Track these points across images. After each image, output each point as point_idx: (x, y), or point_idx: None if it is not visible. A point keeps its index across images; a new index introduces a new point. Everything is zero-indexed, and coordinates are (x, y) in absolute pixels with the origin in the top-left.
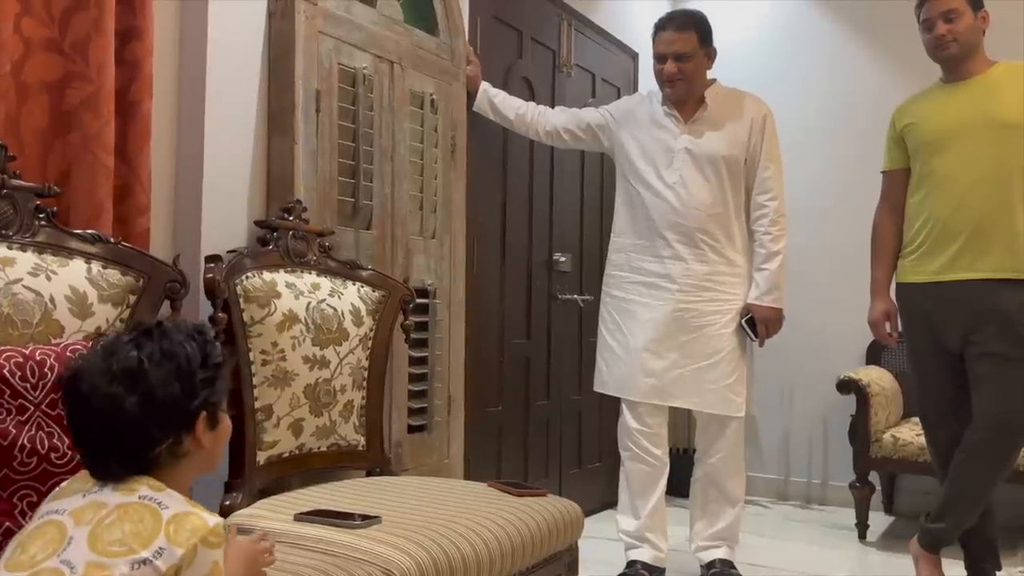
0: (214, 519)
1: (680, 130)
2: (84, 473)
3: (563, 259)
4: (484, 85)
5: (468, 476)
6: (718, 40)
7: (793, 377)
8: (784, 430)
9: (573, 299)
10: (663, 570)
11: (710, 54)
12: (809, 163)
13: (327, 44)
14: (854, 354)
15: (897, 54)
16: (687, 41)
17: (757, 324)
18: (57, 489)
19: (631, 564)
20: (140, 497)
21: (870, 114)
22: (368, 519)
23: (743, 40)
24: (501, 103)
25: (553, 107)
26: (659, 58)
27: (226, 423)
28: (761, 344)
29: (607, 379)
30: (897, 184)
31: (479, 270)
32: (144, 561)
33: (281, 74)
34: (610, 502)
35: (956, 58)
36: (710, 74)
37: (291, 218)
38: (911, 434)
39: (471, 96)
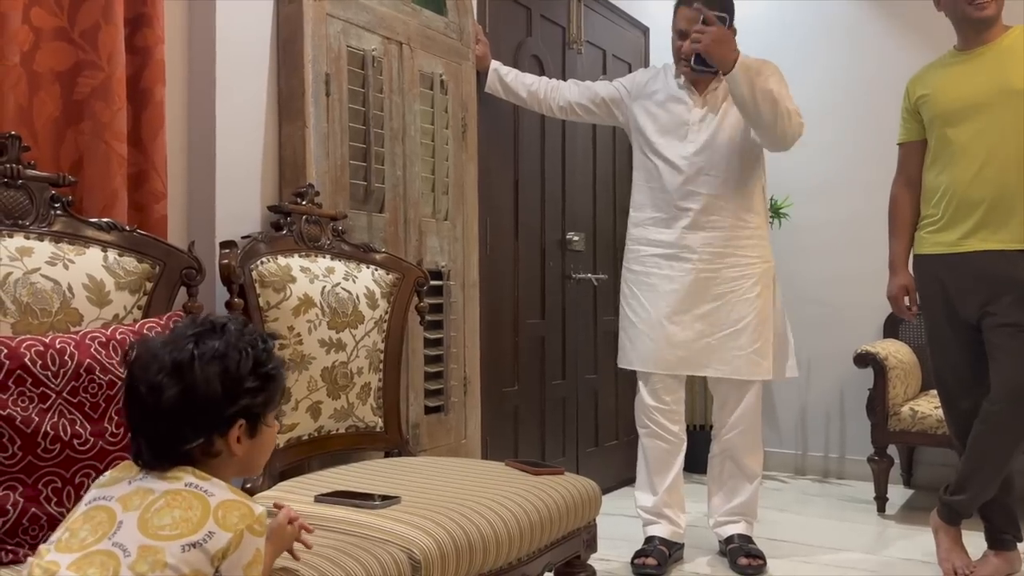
0: (259, 508)
1: (695, 103)
2: (127, 463)
3: (576, 238)
4: (495, 64)
5: (485, 456)
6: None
7: (810, 351)
8: (801, 405)
9: (587, 278)
10: (681, 545)
11: (731, 32)
12: (824, 137)
13: (335, 26)
14: (871, 327)
15: (912, 26)
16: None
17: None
18: (101, 477)
19: (649, 540)
20: (187, 485)
21: (886, 87)
22: (387, 499)
23: (758, 14)
24: (512, 81)
25: None
26: (680, 34)
27: (269, 435)
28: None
29: (631, 355)
30: (913, 156)
31: (492, 251)
32: (195, 544)
33: (290, 58)
34: (628, 479)
35: (990, 21)
36: None
37: (304, 202)
38: (929, 407)
39: (481, 76)
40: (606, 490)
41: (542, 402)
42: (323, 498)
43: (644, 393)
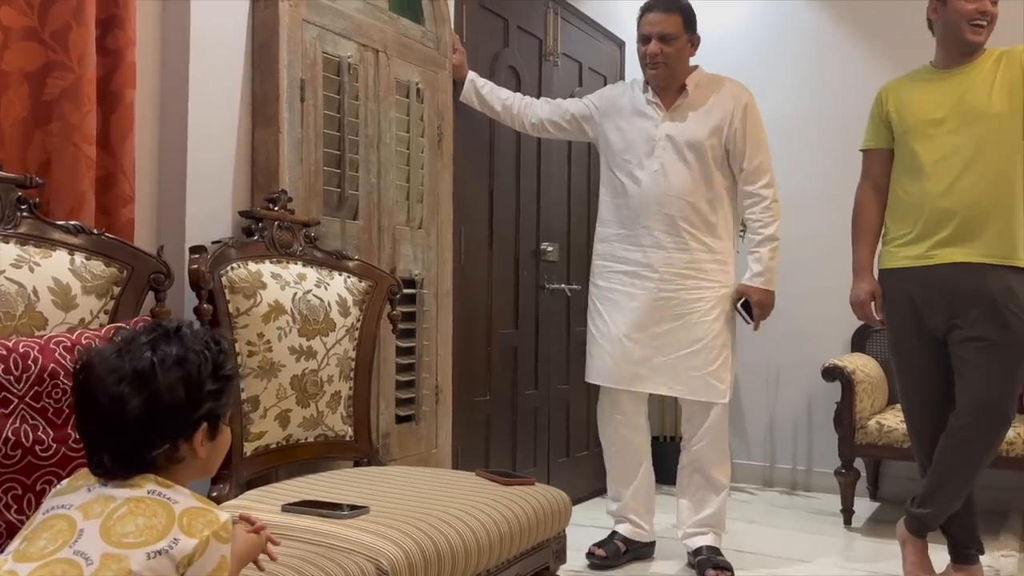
0: (224, 515)
1: (661, 118)
2: (84, 471)
3: (551, 248)
4: (471, 75)
5: (456, 466)
6: (706, 27)
7: (779, 365)
8: (770, 417)
9: (560, 288)
10: (648, 543)
11: (693, 40)
12: (794, 152)
13: (311, 32)
14: (839, 341)
15: (882, 43)
16: (672, 23)
17: (752, 308)
18: (58, 486)
19: (611, 535)
20: (149, 492)
21: (855, 103)
22: (356, 509)
23: (730, 28)
24: (488, 94)
25: (539, 96)
26: (643, 39)
27: (226, 435)
28: (756, 327)
29: (592, 369)
30: (880, 164)
31: (466, 260)
32: (160, 551)
33: (265, 63)
34: (599, 489)
35: (980, 45)
36: (692, 62)
37: (276, 208)
38: (896, 420)
39: (457, 85)
40: (577, 500)
41: (514, 412)
42: (290, 507)
43: (605, 404)
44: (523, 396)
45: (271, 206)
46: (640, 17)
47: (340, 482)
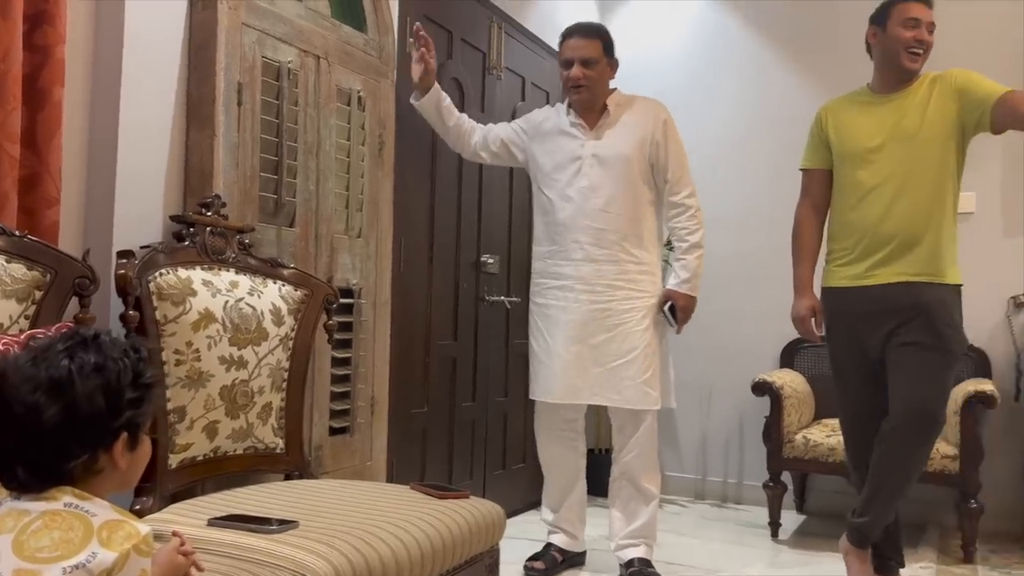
0: (145, 527)
1: (586, 137)
2: None
3: (491, 261)
4: (438, 86)
5: (391, 479)
6: (648, 53)
7: (712, 380)
8: (702, 431)
9: (500, 301)
10: (580, 553)
11: (612, 64)
12: (730, 173)
13: (250, 36)
14: (769, 357)
15: (814, 70)
16: (592, 48)
17: (677, 311)
18: None
19: (546, 547)
20: (66, 505)
21: (788, 128)
22: (285, 523)
23: (667, 50)
24: (447, 108)
25: (483, 110)
26: (565, 64)
27: (146, 445)
28: (679, 330)
29: (536, 387)
30: (819, 183)
31: (406, 270)
32: (78, 566)
33: (201, 65)
34: (535, 502)
35: (917, 72)
36: (613, 84)
37: (209, 213)
38: (821, 435)
39: (413, 90)
40: (512, 513)
41: (451, 424)
42: (216, 522)
43: (542, 421)
44: (461, 408)
45: (204, 211)
46: (562, 42)
47: (269, 495)
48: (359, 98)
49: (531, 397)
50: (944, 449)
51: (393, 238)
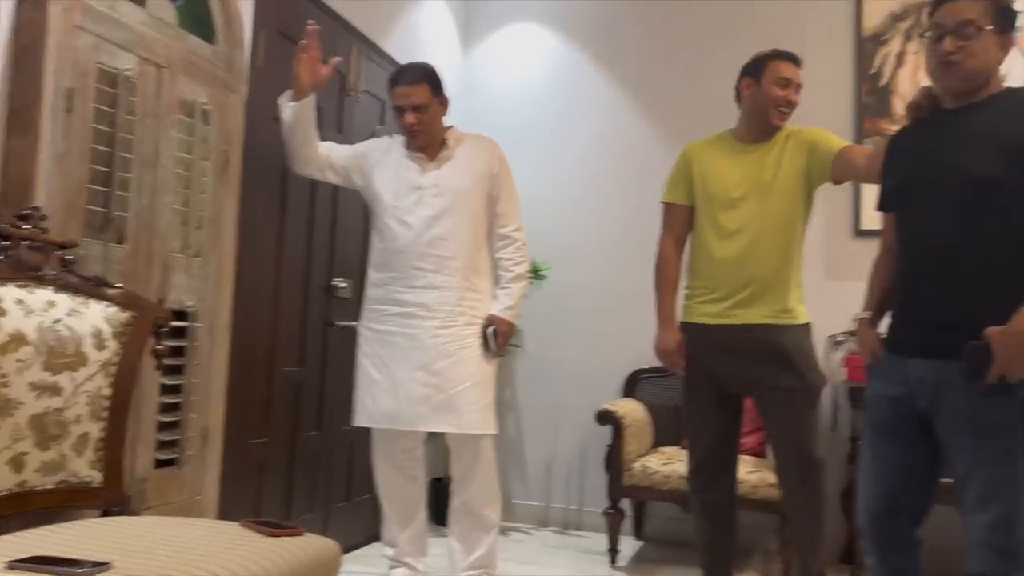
0: None
1: (426, 169)
2: None
3: (343, 285)
4: (313, 98)
5: (223, 515)
6: (506, 82)
7: (559, 407)
8: (548, 458)
9: (351, 326)
10: None
11: (444, 102)
12: (583, 205)
13: (85, 40)
14: (613, 386)
15: (662, 111)
16: (421, 93)
17: (499, 336)
18: None
19: None
20: None
21: (636, 167)
22: (97, 566)
23: (527, 83)
24: (311, 124)
25: (340, 130)
26: (398, 110)
27: None
28: (497, 355)
29: (373, 412)
30: (682, 218)
31: (249, 293)
32: None
33: (27, 67)
34: (378, 535)
35: (782, 128)
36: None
37: (27, 226)
38: (658, 463)
39: (300, 93)
40: (356, 545)
41: (293, 455)
42: (19, 564)
43: (381, 450)
44: (304, 437)
45: (20, 223)
46: (390, 90)
47: (82, 534)
48: (204, 111)
49: (361, 424)
50: (768, 478)
51: (236, 259)
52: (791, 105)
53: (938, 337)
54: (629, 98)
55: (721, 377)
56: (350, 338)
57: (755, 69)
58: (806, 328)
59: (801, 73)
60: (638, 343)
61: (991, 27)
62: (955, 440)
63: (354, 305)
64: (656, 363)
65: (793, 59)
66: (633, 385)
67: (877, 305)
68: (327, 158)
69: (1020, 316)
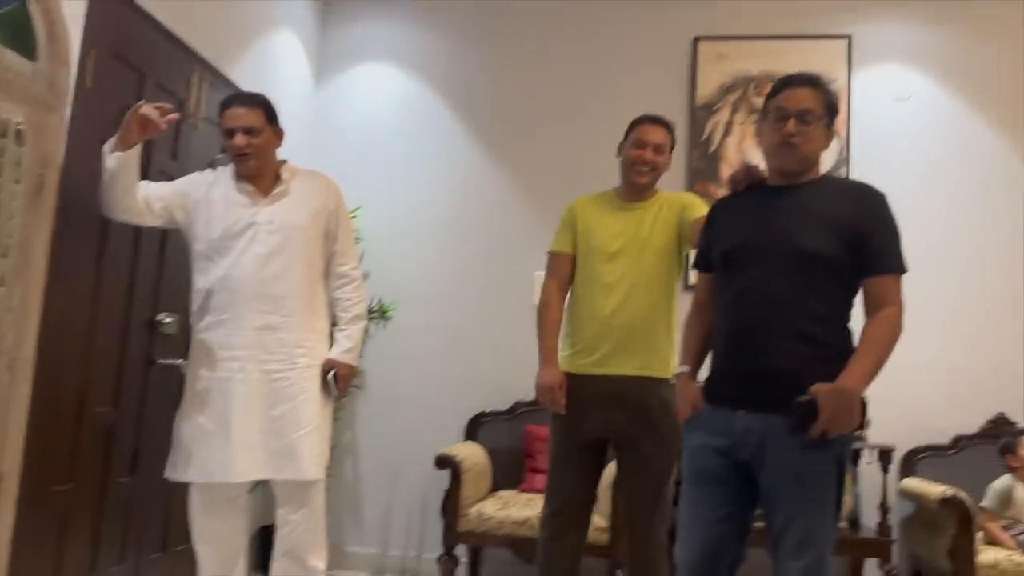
0: None
1: (259, 204)
2: None
3: (168, 320)
4: (139, 148)
5: (13, 570)
6: (360, 117)
7: (400, 451)
8: (387, 504)
9: (176, 364)
10: None
11: (278, 133)
12: (427, 247)
13: None
14: (455, 429)
15: (511, 161)
16: (255, 116)
17: (339, 380)
18: None
19: None
20: None
21: (485, 210)
22: None
23: (379, 121)
24: (135, 173)
25: (175, 157)
26: (228, 133)
27: None
28: (338, 399)
29: (210, 467)
30: (564, 265)
31: (59, 326)
32: None
33: None
34: None
35: (645, 186)
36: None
37: None
38: (494, 508)
39: (126, 145)
40: None
41: (102, 502)
42: None
43: (202, 501)
44: (116, 484)
45: None
46: (222, 112)
47: None
48: (17, 131)
49: (177, 478)
50: (597, 522)
51: (45, 289)
52: (647, 164)
53: (765, 390)
54: (479, 143)
55: (588, 425)
56: (173, 378)
57: (626, 132)
58: (671, 384)
59: (663, 134)
60: (482, 385)
61: (823, 119)
62: (778, 490)
63: (180, 342)
64: (498, 406)
65: (655, 121)
66: (475, 428)
67: (694, 359)
68: (146, 202)
69: (845, 376)
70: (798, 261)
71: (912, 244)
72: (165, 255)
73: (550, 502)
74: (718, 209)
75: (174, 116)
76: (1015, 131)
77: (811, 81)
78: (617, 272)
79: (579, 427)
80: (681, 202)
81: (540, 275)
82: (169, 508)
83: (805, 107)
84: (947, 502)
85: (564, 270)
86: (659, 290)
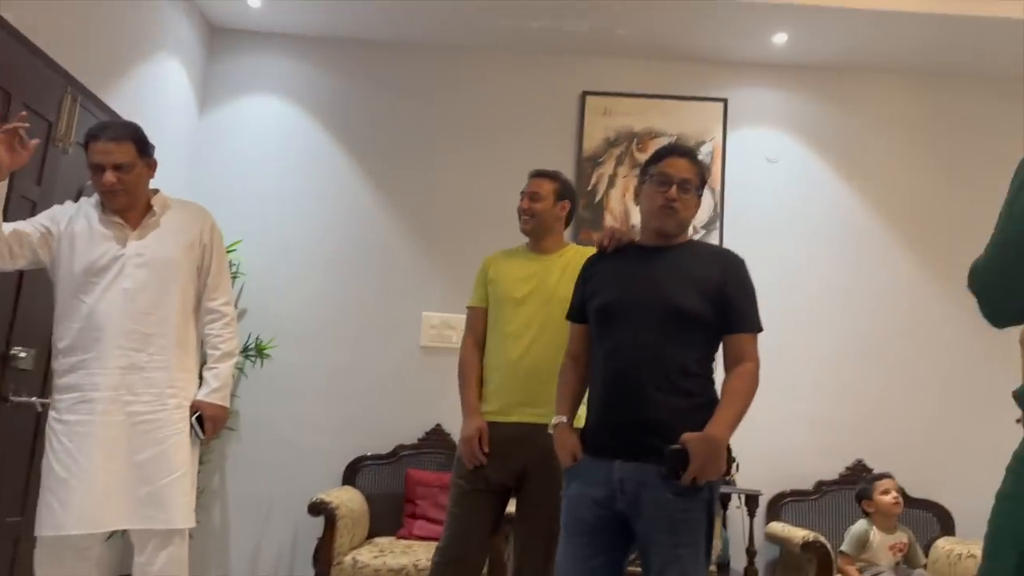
0: None
1: (128, 237)
2: None
3: (24, 355)
4: (5, 183)
5: None
6: (244, 148)
7: (272, 496)
8: (257, 553)
9: (31, 402)
10: None
11: (151, 165)
12: (310, 285)
13: None
14: (333, 474)
15: (401, 205)
16: (125, 152)
17: (206, 422)
18: None
19: None
20: None
21: (373, 252)
22: None
23: (265, 153)
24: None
25: (39, 182)
26: (96, 168)
27: None
28: (206, 443)
29: (63, 519)
30: (481, 320)
31: None
32: None
33: None
34: None
35: (534, 233)
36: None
37: None
38: (370, 555)
39: None
40: None
41: None
42: None
43: (50, 555)
44: None
45: None
46: (87, 144)
47: None
48: None
49: (45, 533)
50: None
51: None
52: (526, 212)
53: (640, 440)
54: (367, 182)
55: (490, 471)
56: (27, 417)
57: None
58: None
59: (539, 183)
60: (363, 428)
61: (698, 189)
62: (653, 537)
63: (35, 378)
64: (379, 449)
65: (536, 174)
66: (354, 472)
67: (570, 409)
68: (6, 244)
69: (713, 425)
70: (671, 317)
71: (778, 300)
72: (22, 285)
73: (445, 549)
74: (593, 265)
75: (35, 141)
76: (877, 196)
77: (690, 154)
78: (523, 318)
79: (480, 472)
80: (585, 256)
81: (428, 315)
82: (15, 558)
83: (685, 176)
84: (808, 546)
85: (479, 324)
86: (562, 337)
